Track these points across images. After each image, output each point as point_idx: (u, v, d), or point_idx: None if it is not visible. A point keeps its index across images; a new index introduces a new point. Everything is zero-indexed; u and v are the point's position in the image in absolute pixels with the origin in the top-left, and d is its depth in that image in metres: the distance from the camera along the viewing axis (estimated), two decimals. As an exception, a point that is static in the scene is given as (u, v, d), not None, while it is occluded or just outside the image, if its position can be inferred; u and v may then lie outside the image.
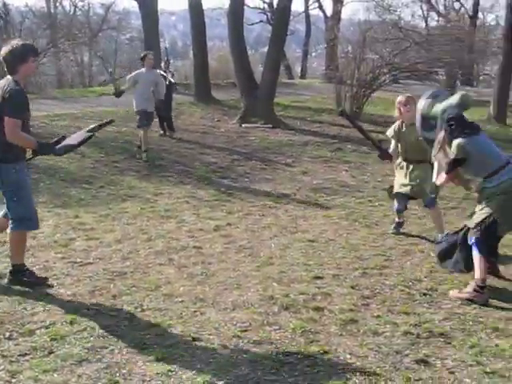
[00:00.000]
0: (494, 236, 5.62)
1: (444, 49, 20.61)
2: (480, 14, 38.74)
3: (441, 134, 5.70)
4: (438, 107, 5.82)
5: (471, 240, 5.55)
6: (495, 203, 5.48)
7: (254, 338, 4.56)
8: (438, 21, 37.33)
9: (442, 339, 4.67)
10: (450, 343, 4.61)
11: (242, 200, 8.75)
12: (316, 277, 5.84)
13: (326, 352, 4.38)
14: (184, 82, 22.84)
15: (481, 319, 5.05)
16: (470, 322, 5.00)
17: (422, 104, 5.99)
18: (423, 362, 4.31)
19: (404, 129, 7.01)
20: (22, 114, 5.15)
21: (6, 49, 5.23)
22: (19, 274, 5.45)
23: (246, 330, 4.68)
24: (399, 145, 7.12)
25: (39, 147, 5.21)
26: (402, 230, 7.44)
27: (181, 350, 4.34)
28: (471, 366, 4.29)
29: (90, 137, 5.58)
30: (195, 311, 5.01)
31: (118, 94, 11.22)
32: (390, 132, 7.22)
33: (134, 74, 11.56)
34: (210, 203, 8.52)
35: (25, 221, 5.35)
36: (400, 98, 7.07)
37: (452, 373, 4.18)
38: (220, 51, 25.38)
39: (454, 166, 5.56)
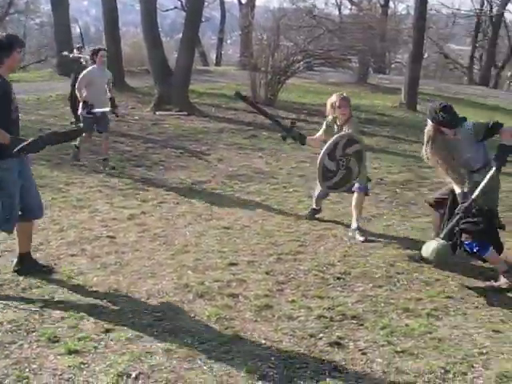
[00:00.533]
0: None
1: (356, 37, 20.94)
2: (391, 4, 39.69)
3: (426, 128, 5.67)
4: None
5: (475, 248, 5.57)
6: None
7: (168, 326, 4.52)
8: (350, 9, 37.94)
9: (354, 321, 4.77)
10: (362, 325, 4.72)
11: (157, 188, 8.63)
12: (231, 263, 5.84)
13: (241, 338, 4.40)
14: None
15: (392, 301, 5.19)
16: (382, 304, 5.13)
17: None
18: (337, 344, 4.39)
19: (335, 128, 6.96)
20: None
21: None
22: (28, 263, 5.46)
23: (160, 319, 4.63)
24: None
25: (11, 143, 4.87)
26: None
27: (94, 342, 4.25)
28: (383, 346, 4.40)
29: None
30: (109, 301, 4.91)
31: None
32: (326, 120, 7.15)
33: (85, 74, 9.75)
34: (124, 192, 8.36)
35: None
36: (333, 98, 6.91)
37: (364, 354, 4.28)
38: (134, 38, 24.91)
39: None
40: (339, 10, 41.41)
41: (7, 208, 5.08)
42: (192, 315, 4.73)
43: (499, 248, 5.72)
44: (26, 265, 5.40)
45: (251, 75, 17.60)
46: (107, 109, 9.53)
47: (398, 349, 4.36)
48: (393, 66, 47.58)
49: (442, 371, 4.08)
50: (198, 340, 4.33)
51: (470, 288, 5.58)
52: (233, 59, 38.02)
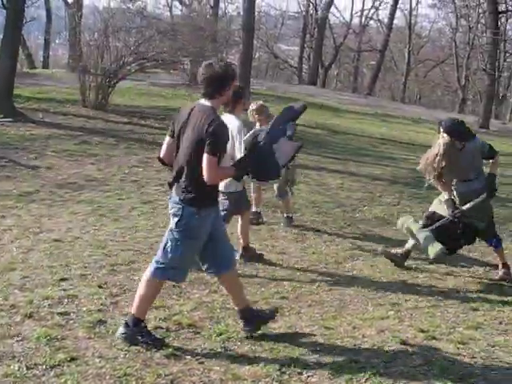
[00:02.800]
0: None
1: (188, 38, 20.91)
2: (222, 5, 40.20)
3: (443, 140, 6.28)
4: None
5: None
6: None
7: (-7, 353, 4.22)
8: (181, 10, 37.96)
9: (191, 330, 4.73)
10: (199, 333, 4.69)
11: (-20, 201, 8.09)
12: (62, 279, 5.57)
13: (73, 359, 4.19)
14: None
15: (228, 306, 5.19)
16: (218, 310, 5.13)
17: None
18: (173, 355, 4.31)
19: None
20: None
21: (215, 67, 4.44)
22: (136, 329, 4.49)
23: (-16, 346, 4.31)
24: None
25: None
26: (147, 222, 7.44)
27: None
28: (220, 353, 4.40)
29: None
30: None
31: None
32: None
33: None
34: None
35: (170, 269, 4.52)
36: (253, 106, 7.44)
37: (201, 363, 4.25)
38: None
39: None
40: (170, 11, 41.32)
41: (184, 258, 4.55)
42: (20, 338, 4.43)
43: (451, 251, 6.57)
44: None
45: (80, 78, 17.00)
46: None
47: (235, 354, 4.37)
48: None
49: (279, 373, 4.13)
50: (26, 366, 4.06)
51: (302, 287, 5.74)
52: (63, 61, 36.69)
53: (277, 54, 46.70)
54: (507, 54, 41.96)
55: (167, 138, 4.67)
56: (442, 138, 6.35)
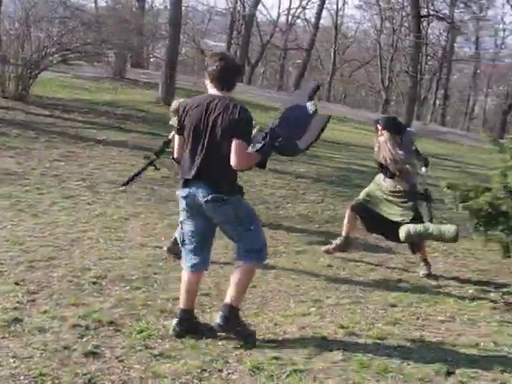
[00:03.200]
0: None
1: (112, 31, 20.56)
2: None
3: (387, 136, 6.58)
4: None
5: None
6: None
7: None
8: (106, 2, 37.31)
9: (111, 328, 4.62)
10: (119, 331, 4.58)
11: None
12: (-24, 276, 5.37)
13: (-15, 360, 4.04)
14: None
15: (149, 302, 5.13)
16: (139, 307, 5.04)
17: None
18: (92, 354, 4.20)
19: None
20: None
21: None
22: (237, 320, 4.59)
23: None
24: None
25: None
26: (68, 217, 7.28)
27: None
28: (140, 350, 4.31)
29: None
30: None
31: None
32: None
33: None
34: None
35: (259, 252, 4.64)
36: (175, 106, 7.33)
37: (121, 361, 4.15)
38: None
39: None
40: (95, 2, 40.55)
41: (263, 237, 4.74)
42: None
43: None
44: None
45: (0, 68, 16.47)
46: None
47: (156, 352, 4.30)
48: (152, 60, 47.78)
49: (199, 370, 4.09)
50: None
51: (225, 284, 5.72)
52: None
53: (204, 50, 46.51)
54: (429, 57, 43.25)
55: (178, 137, 4.68)
56: (382, 136, 6.53)
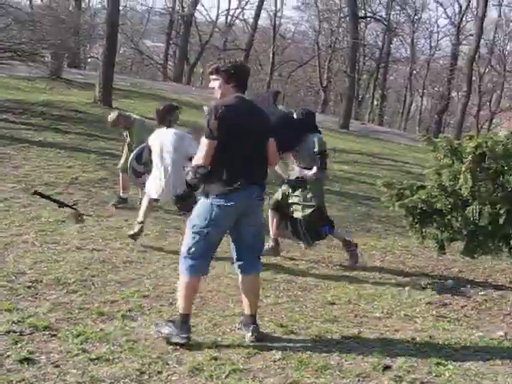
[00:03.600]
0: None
1: (48, 30, 20.14)
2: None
3: None
4: None
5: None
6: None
7: None
8: (42, 0, 36.54)
9: (47, 332, 4.51)
10: (55, 335, 4.49)
11: None
12: None
13: None
14: None
15: (87, 306, 5.05)
16: (76, 310, 4.96)
17: None
18: (27, 360, 4.10)
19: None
20: None
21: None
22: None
23: None
24: None
25: None
26: (1, 220, 7.10)
27: None
28: (77, 355, 4.22)
29: None
30: None
31: None
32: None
33: None
34: None
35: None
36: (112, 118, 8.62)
37: (57, 366, 4.06)
38: None
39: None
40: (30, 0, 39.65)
41: None
42: None
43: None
44: None
45: None
46: None
47: (93, 356, 4.22)
48: (89, 60, 47.06)
49: (138, 373, 4.04)
50: None
51: (163, 286, 5.70)
52: None
53: (142, 50, 46.12)
54: (366, 58, 43.93)
55: (210, 142, 4.48)
56: None
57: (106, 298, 5.25)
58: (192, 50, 44.50)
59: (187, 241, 4.61)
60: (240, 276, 4.82)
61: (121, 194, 8.62)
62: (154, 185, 6.98)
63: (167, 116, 7.10)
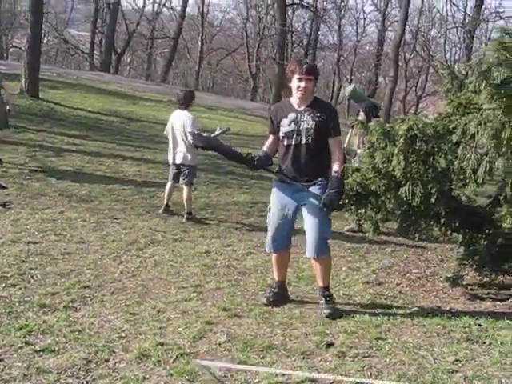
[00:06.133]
0: None
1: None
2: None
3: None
4: None
5: None
6: None
7: None
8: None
9: (-14, 327, 4.46)
10: (-4, 329, 4.44)
11: None
12: None
13: None
14: None
15: (27, 299, 5.01)
16: (17, 304, 4.91)
17: None
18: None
19: None
20: None
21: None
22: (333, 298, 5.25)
23: None
24: None
25: None
26: None
27: None
28: (21, 348, 4.19)
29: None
30: None
31: None
32: None
33: None
34: None
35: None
36: None
37: (1, 360, 4.02)
38: None
39: None
40: None
41: None
42: None
43: None
44: None
45: None
46: None
47: (38, 348, 4.19)
48: (11, 50, 45.76)
49: (85, 362, 4.04)
50: None
51: (104, 275, 5.69)
52: None
53: (67, 39, 45.12)
54: (294, 45, 44.23)
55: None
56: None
57: (47, 290, 5.20)
58: (119, 39, 43.76)
59: (328, 225, 5.18)
60: None
61: None
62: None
63: (192, 101, 8.42)
